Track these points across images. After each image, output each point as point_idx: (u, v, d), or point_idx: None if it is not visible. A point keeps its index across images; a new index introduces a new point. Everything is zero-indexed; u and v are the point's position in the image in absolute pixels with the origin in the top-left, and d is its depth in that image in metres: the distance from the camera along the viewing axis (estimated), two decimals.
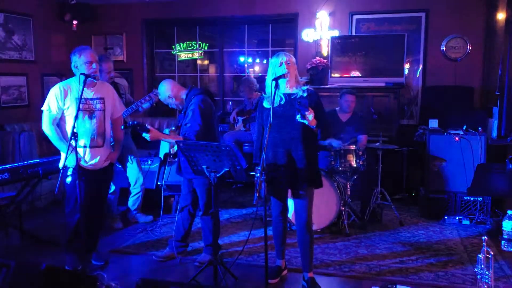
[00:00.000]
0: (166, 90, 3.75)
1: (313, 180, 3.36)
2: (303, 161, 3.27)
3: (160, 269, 3.82)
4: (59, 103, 3.50)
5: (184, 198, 3.95)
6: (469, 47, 6.08)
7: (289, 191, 3.47)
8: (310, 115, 3.06)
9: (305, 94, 3.30)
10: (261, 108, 3.44)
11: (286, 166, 3.28)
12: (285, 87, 3.32)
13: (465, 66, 6.14)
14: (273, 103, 3.16)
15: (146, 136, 3.51)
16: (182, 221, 3.99)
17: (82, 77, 3.38)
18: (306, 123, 3.11)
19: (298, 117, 3.09)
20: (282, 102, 3.30)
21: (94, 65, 3.50)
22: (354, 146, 4.62)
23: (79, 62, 3.48)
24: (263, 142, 3.34)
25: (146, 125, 3.50)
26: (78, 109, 3.37)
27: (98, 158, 3.65)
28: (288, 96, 3.31)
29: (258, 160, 3.43)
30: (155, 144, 6.01)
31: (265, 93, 3.46)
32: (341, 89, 5.38)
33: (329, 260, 3.97)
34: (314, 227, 4.43)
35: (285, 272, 3.71)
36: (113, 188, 4.78)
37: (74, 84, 3.56)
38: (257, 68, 7.47)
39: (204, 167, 3.26)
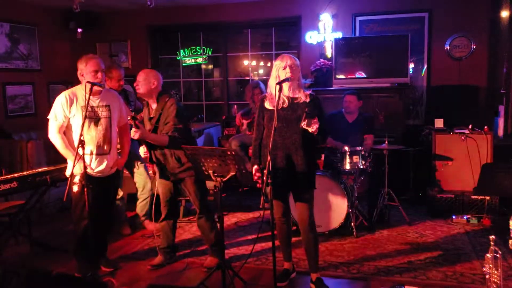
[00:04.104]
0: (139, 75, 3.72)
1: (311, 182, 3.39)
2: (303, 165, 3.29)
3: (168, 275, 3.83)
4: (65, 111, 3.52)
5: (166, 205, 3.96)
6: (473, 46, 6.07)
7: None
8: (315, 125, 3.08)
9: (308, 100, 3.30)
10: (262, 108, 3.45)
11: (285, 170, 3.30)
12: (288, 90, 3.33)
13: (469, 65, 6.13)
14: (277, 106, 3.17)
15: (132, 132, 3.52)
16: (169, 227, 4.03)
17: (88, 85, 3.40)
18: (310, 131, 3.12)
19: (304, 123, 3.10)
20: (285, 106, 3.31)
21: (99, 74, 3.52)
22: (360, 148, 4.62)
23: (85, 70, 3.51)
24: (265, 142, 3.37)
25: (136, 123, 3.50)
26: (85, 117, 3.39)
27: (105, 165, 3.67)
28: (291, 99, 3.32)
29: (256, 161, 3.44)
30: None
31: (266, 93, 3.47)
32: (345, 90, 5.39)
33: (337, 262, 3.96)
34: (322, 230, 4.45)
35: (293, 275, 3.71)
36: (120, 194, 4.81)
37: (80, 92, 3.58)
38: (261, 71, 7.49)
39: (210, 171, 3.28)
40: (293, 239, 3.75)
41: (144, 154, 3.75)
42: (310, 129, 3.09)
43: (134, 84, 3.76)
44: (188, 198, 4.01)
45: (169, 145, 3.69)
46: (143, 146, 3.74)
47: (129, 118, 3.61)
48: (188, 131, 3.90)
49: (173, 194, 3.96)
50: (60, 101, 3.53)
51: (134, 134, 3.52)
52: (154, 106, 3.81)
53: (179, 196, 4.06)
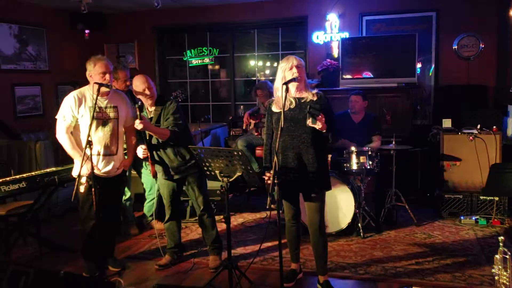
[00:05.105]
0: (145, 81, 3.73)
1: (324, 183, 3.36)
2: (314, 165, 3.27)
3: (175, 275, 3.84)
4: (74, 112, 3.54)
5: (170, 205, 3.97)
6: (481, 45, 6.04)
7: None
8: (320, 122, 3.06)
9: (315, 98, 3.29)
10: (270, 112, 3.45)
11: (296, 170, 3.28)
12: (295, 91, 3.32)
13: (478, 64, 6.10)
14: (284, 107, 3.16)
15: (136, 123, 3.50)
16: (175, 228, 4.03)
17: (96, 86, 3.41)
18: (317, 128, 3.11)
19: (309, 121, 3.09)
20: (292, 106, 3.30)
21: (107, 76, 3.53)
22: (367, 148, 4.60)
23: (93, 71, 3.53)
24: (274, 145, 3.35)
25: (141, 115, 3.51)
26: (93, 118, 3.40)
27: (111, 165, 3.68)
28: (298, 100, 3.32)
29: (268, 163, 3.44)
30: None
31: (274, 97, 3.47)
32: (352, 90, 5.37)
33: (345, 263, 3.95)
34: (329, 230, 4.44)
35: (300, 275, 3.70)
36: (128, 194, 4.82)
37: (88, 92, 3.60)
38: (267, 72, 7.50)
39: (217, 172, 3.28)
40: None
41: (143, 154, 3.75)
42: (316, 126, 3.09)
43: (145, 89, 3.72)
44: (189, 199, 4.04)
45: (170, 139, 3.69)
46: (142, 145, 3.75)
47: (136, 106, 3.63)
48: (186, 130, 3.92)
49: (177, 194, 3.97)
50: (69, 101, 3.55)
51: (138, 124, 3.50)
52: (151, 108, 3.82)
53: (182, 196, 4.07)
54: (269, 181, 3.29)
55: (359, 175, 4.67)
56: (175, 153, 3.78)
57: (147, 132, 3.71)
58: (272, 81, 3.57)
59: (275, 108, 3.39)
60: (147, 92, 3.72)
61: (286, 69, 3.25)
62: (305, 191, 3.40)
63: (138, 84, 3.74)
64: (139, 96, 3.79)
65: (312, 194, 3.35)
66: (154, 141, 3.80)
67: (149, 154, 3.78)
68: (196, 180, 3.85)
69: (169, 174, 3.86)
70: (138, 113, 3.51)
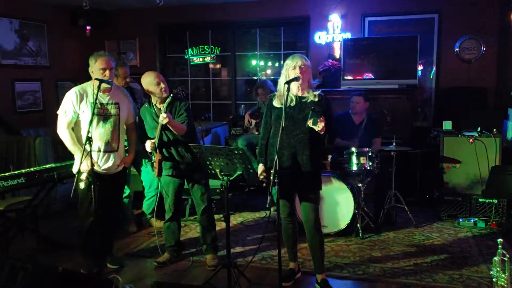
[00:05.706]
0: (157, 76, 3.77)
1: (317, 182, 3.38)
2: (308, 165, 3.28)
3: (174, 273, 3.84)
4: (75, 107, 3.53)
5: (174, 203, 3.95)
6: (483, 48, 6.04)
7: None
8: (321, 123, 3.06)
9: (316, 99, 3.29)
10: (270, 107, 3.44)
11: (290, 169, 3.29)
12: (297, 90, 3.32)
13: (479, 67, 6.10)
14: (285, 105, 3.15)
15: (162, 117, 3.50)
16: (175, 226, 4.02)
17: (97, 82, 3.42)
18: (316, 130, 3.11)
19: (310, 122, 3.09)
20: (293, 104, 3.30)
21: (107, 72, 3.52)
22: (367, 149, 4.60)
23: (94, 67, 3.52)
24: (271, 141, 3.36)
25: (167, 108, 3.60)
26: (93, 114, 3.40)
27: (112, 162, 3.67)
28: (299, 99, 3.31)
29: (262, 160, 3.43)
30: None
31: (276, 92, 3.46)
32: (353, 91, 5.37)
33: (343, 263, 3.95)
34: (328, 230, 4.43)
35: (298, 275, 3.70)
36: (127, 191, 4.81)
37: (89, 88, 3.60)
38: (269, 71, 7.49)
39: (217, 170, 3.28)
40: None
41: (151, 148, 3.73)
42: (316, 128, 3.08)
43: (160, 83, 3.73)
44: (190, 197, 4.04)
45: (186, 134, 3.71)
46: (150, 140, 3.73)
47: (171, 95, 3.67)
48: (193, 129, 3.96)
49: (180, 192, 3.97)
50: (70, 96, 3.55)
51: (165, 118, 3.50)
52: (160, 105, 3.80)
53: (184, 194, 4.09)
54: (261, 176, 3.29)
55: (359, 175, 4.66)
56: (186, 149, 3.78)
57: (157, 130, 3.69)
58: (273, 80, 3.57)
59: (276, 103, 3.38)
60: (162, 85, 3.73)
61: (290, 67, 3.25)
62: (299, 190, 3.41)
63: (150, 80, 3.73)
64: (151, 93, 3.78)
65: (306, 194, 3.37)
66: (164, 138, 3.79)
67: (158, 151, 3.76)
68: (203, 177, 3.85)
69: (178, 171, 3.85)
70: (164, 106, 3.56)
